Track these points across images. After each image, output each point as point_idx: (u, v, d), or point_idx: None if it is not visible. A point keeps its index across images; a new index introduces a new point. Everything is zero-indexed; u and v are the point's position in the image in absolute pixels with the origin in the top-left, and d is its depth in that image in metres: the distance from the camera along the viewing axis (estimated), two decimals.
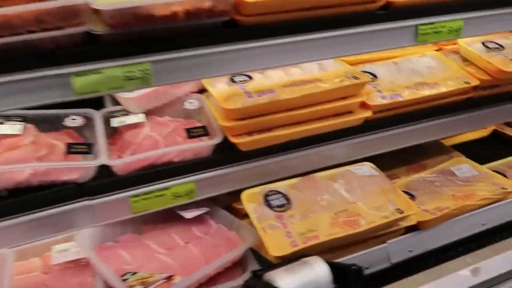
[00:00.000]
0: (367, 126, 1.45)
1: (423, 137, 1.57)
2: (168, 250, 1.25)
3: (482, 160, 1.73)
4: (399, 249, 1.39)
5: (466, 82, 1.54)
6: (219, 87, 1.33)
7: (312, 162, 1.42)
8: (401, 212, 1.28)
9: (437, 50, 1.75)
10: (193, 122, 1.37)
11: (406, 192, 1.53)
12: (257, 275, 0.96)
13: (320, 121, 1.36)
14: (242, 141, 1.26)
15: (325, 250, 1.21)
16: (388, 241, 1.37)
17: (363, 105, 1.41)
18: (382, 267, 1.38)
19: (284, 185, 1.35)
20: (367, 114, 1.41)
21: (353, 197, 1.32)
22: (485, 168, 1.69)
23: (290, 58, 1.10)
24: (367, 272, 1.36)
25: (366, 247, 1.31)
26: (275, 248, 1.13)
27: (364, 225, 1.21)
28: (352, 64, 1.51)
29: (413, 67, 1.63)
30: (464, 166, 1.69)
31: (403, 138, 1.53)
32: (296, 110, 1.30)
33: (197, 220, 1.38)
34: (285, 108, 1.29)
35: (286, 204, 1.26)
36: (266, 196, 1.28)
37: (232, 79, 1.35)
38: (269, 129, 1.31)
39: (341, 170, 1.43)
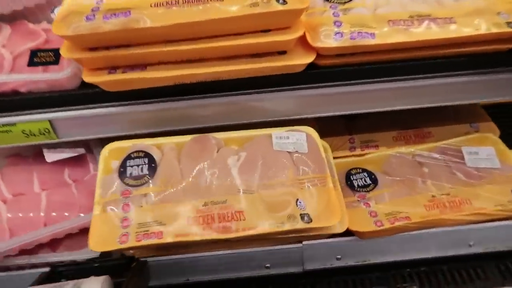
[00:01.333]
0: (312, 76, 0.95)
1: (406, 101, 1.02)
2: (13, 195, 1.03)
3: None
4: (320, 253, 1.00)
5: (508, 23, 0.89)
6: None
7: (222, 115, 1.01)
8: (309, 220, 0.85)
9: None
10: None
11: (369, 174, 1.07)
12: None
13: (228, 63, 0.90)
14: (103, 80, 0.89)
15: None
16: (305, 242, 0.98)
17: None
18: (291, 271, 1.02)
19: (160, 143, 0.98)
20: (307, 59, 0.90)
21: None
22: None
23: None
24: (265, 273, 1.02)
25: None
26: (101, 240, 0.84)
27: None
28: None
29: None
30: (484, 150, 1.10)
31: (368, 100, 1.00)
32: (175, 44, 0.85)
33: (78, 163, 1.12)
34: (154, 39, 0.85)
35: (147, 175, 0.91)
36: (129, 155, 0.94)
37: None
38: (141, 67, 0.90)
39: (246, 134, 1.00)
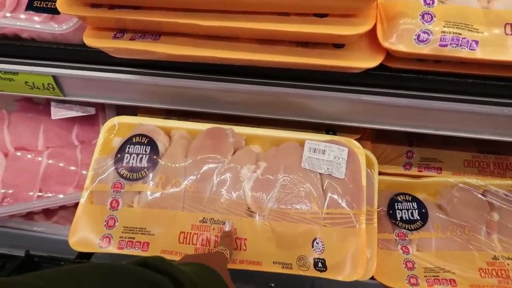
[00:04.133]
0: (375, 79, 0.71)
1: (501, 132, 0.75)
2: (16, 149, 0.94)
3: None
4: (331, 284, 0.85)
5: None
6: None
7: (252, 105, 0.81)
8: (323, 268, 0.68)
9: None
10: None
11: (419, 205, 0.85)
12: None
13: (265, 49, 0.68)
14: (106, 46, 0.72)
15: None
16: None
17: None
18: None
19: (170, 127, 0.82)
20: (371, 62, 0.65)
21: None
22: None
23: None
24: None
25: None
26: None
27: None
28: None
29: None
30: None
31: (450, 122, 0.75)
32: (197, 17, 0.64)
33: (88, 123, 1.00)
34: (172, 4, 0.64)
35: (145, 169, 0.76)
36: (130, 139, 0.79)
37: None
38: (155, 35, 0.70)
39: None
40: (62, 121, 0.97)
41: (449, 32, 0.62)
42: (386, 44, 0.63)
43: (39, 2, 0.76)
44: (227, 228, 0.69)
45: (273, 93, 0.77)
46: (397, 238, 0.82)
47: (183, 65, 0.76)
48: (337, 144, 0.78)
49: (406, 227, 0.83)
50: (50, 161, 0.92)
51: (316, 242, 0.70)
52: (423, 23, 0.63)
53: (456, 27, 0.62)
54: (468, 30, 0.62)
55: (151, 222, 0.73)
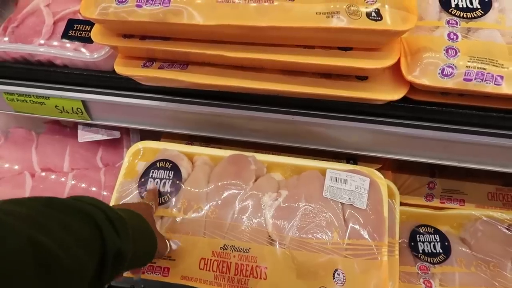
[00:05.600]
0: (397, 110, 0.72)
1: None
2: (42, 170, 0.97)
3: None
4: None
5: None
6: None
7: (273, 133, 0.82)
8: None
9: None
10: None
11: (441, 238, 0.84)
12: None
13: (289, 80, 0.69)
14: (136, 74, 0.74)
15: None
16: None
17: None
18: None
19: (193, 152, 0.83)
20: (394, 95, 0.66)
21: None
22: None
23: None
24: None
25: None
26: None
27: None
28: None
29: None
30: None
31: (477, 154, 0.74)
32: (222, 48, 0.66)
33: (113, 146, 1.03)
34: (198, 36, 0.66)
35: (168, 194, 0.77)
36: (154, 164, 0.80)
37: None
38: (182, 65, 0.73)
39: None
40: (87, 143, 0.99)
41: (474, 67, 0.62)
42: (409, 78, 0.64)
43: (73, 31, 0.80)
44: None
45: (295, 122, 0.78)
46: (419, 272, 0.81)
47: (207, 92, 0.78)
48: (358, 174, 0.78)
49: (429, 260, 0.82)
50: (74, 182, 0.94)
51: (337, 274, 0.69)
52: (447, 57, 0.63)
53: (481, 62, 0.62)
54: (493, 65, 0.62)
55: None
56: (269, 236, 0.73)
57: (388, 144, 0.79)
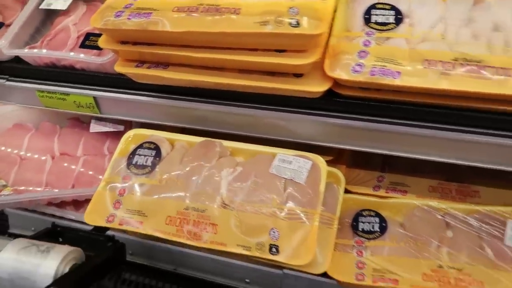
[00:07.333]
0: (329, 104, 0.89)
1: (445, 154, 0.87)
2: (60, 154, 1.21)
3: None
4: (298, 286, 0.96)
5: None
6: None
7: (239, 125, 1.01)
8: (276, 252, 0.82)
9: None
10: None
11: (381, 220, 0.97)
12: None
13: (242, 76, 0.89)
14: (129, 71, 0.97)
15: None
16: (285, 270, 0.96)
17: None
18: None
19: (175, 138, 1.03)
20: (322, 87, 0.84)
21: None
22: None
23: None
24: (244, 287, 1.03)
25: None
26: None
27: None
28: None
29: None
30: None
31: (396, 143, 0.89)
32: (189, 50, 0.87)
33: (118, 138, 1.25)
34: (174, 41, 0.88)
35: (149, 166, 0.97)
36: (142, 145, 1.01)
37: None
38: (165, 66, 0.95)
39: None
40: (98, 135, 1.23)
41: (378, 65, 0.79)
42: (331, 74, 0.82)
43: (89, 42, 1.05)
44: None
45: (253, 115, 0.97)
46: (355, 244, 0.94)
47: (187, 90, 0.99)
48: (303, 157, 0.94)
49: (365, 236, 0.95)
50: (84, 165, 1.16)
51: (273, 231, 0.85)
52: (359, 58, 0.81)
53: (384, 61, 0.80)
54: (394, 64, 0.79)
55: (146, 207, 0.92)
56: (223, 201, 0.90)
57: (328, 135, 0.95)
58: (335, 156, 1.08)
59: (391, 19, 0.86)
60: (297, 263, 0.81)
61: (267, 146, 1.02)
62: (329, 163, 1.05)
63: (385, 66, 0.79)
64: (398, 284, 0.83)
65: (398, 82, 0.77)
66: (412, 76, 0.77)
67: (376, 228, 0.96)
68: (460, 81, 0.75)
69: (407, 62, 0.79)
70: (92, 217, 0.94)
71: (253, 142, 1.07)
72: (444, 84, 0.75)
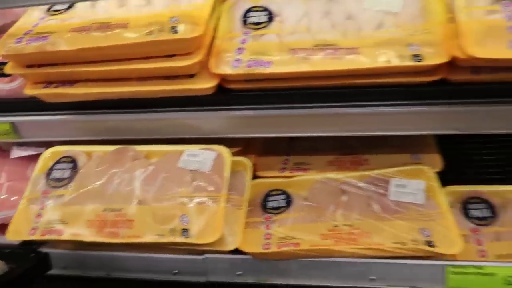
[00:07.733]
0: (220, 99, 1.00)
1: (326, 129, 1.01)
2: None
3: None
4: (221, 267, 1.05)
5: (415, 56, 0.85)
6: (33, 15, 1.06)
7: (152, 130, 1.10)
8: (187, 235, 0.91)
9: None
10: None
11: (286, 196, 1.08)
12: None
13: (142, 83, 0.99)
14: (39, 93, 1.04)
15: None
16: (206, 255, 1.04)
17: None
18: (197, 280, 1.08)
19: (92, 150, 1.10)
20: (210, 83, 0.95)
21: None
22: (447, 196, 1.02)
23: None
24: (173, 279, 1.10)
25: None
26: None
27: None
28: None
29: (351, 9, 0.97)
30: (414, 183, 1.05)
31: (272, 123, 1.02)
32: (90, 65, 0.96)
33: None
34: (74, 59, 0.97)
35: (67, 178, 1.04)
36: (59, 160, 1.07)
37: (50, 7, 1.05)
38: (71, 83, 1.03)
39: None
40: (20, 159, 1.26)
41: (253, 58, 0.92)
42: (215, 70, 0.94)
43: None
44: None
45: (159, 118, 1.06)
46: (264, 220, 1.04)
47: (97, 104, 1.06)
48: (209, 150, 1.05)
49: (272, 212, 1.06)
50: (6, 196, 1.20)
51: (184, 217, 0.94)
52: (237, 54, 0.94)
53: (258, 54, 0.93)
54: (266, 55, 0.92)
55: (66, 215, 0.98)
56: (137, 198, 0.98)
57: (228, 127, 1.06)
58: (244, 147, 1.20)
59: (264, 19, 1.00)
60: (207, 241, 0.91)
61: (182, 145, 1.12)
62: (239, 153, 1.17)
63: (258, 58, 0.92)
64: (299, 246, 0.94)
65: (269, 70, 0.90)
66: (280, 65, 0.90)
67: (283, 204, 1.07)
68: (319, 63, 0.89)
69: (277, 53, 0.92)
70: (14, 234, 0.98)
71: (174, 143, 1.16)
72: (304, 67, 0.88)
